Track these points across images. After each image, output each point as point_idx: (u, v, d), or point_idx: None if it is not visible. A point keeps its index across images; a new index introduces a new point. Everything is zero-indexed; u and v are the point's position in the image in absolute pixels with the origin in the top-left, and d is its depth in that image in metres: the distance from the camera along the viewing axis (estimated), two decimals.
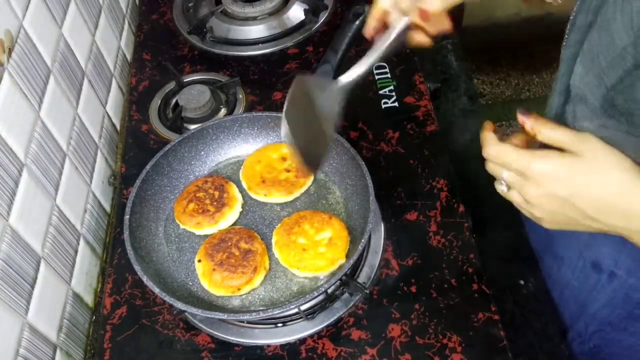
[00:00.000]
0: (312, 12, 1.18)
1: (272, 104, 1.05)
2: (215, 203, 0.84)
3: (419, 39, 0.67)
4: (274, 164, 0.88)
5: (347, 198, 0.86)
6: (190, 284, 0.80)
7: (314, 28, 1.17)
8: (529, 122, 0.55)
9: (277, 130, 0.91)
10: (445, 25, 0.65)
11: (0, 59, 0.73)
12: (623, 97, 0.53)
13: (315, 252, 0.78)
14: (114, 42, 1.15)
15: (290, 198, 0.86)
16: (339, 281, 0.73)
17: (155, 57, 1.16)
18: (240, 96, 1.06)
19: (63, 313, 0.82)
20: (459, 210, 0.87)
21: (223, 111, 1.05)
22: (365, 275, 0.82)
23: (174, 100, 1.07)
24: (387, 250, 0.84)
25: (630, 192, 0.51)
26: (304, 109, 0.65)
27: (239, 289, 0.76)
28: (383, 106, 1.01)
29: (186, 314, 0.78)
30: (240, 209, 0.86)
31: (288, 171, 0.87)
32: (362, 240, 0.73)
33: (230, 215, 0.84)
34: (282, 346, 0.77)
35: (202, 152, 0.91)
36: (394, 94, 1.03)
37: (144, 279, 0.72)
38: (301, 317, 0.77)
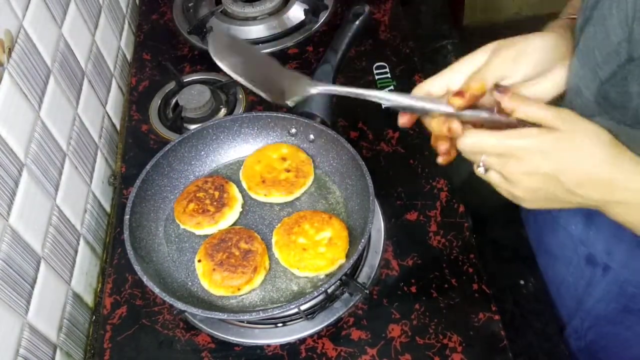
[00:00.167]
0: (312, 12, 1.18)
1: (272, 104, 1.05)
2: (215, 203, 0.84)
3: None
4: (274, 164, 0.88)
5: (347, 198, 0.86)
6: (190, 284, 0.80)
7: (314, 28, 1.17)
8: (505, 99, 0.54)
9: (277, 130, 0.91)
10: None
11: (0, 59, 0.73)
12: (616, 90, 0.54)
13: (315, 252, 0.77)
14: (114, 42, 1.15)
15: (290, 198, 0.86)
16: (339, 281, 0.73)
17: (155, 57, 1.16)
18: (240, 96, 1.06)
19: (63, 313, 0.82)
20: (459, 210, 0.87)
21: (223, 111, 1.05)
22: (365, 275, 0.82)
23: (174, 100, 1.07)
24: (387, 250, 0.84)
25: (611, 164, 0.52)
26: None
27: (239, 289, 0.76)
28: (383, 106, 1.01)
29: (186, 314, 0.78)
30: (240, 209, 0.86)
31: (288, 171, 0.87)
32: (362, 240, 0.73)
33: (230, 215, 0.84)
34: (282, 346, 0.77)
35: (202, 152, 0.91)
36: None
37: (144, 279, 0.72)
38: (301, 317, 0.77)
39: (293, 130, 0.90)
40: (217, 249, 0.79)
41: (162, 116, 1.04)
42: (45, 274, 0.78)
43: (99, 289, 0.92)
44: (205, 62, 1.14)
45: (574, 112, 0.54)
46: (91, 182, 0.96)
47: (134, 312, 0.82)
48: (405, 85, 1.04)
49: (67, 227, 0.86)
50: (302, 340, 0.77)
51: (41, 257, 0.77)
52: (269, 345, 0.77)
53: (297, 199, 0.87)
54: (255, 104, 1.06)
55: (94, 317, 0.90)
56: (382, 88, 1.04)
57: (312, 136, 0.89)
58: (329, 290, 0.78)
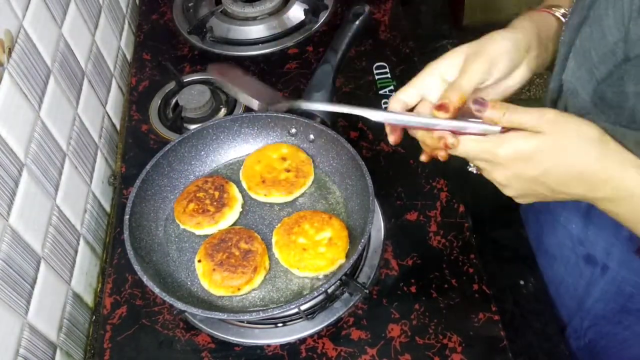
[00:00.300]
0: (312, 12, 1.18)
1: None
2: (215, 203, 0.84)
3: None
4: (274, 164, 0.88)
5: (347, 198, 0.86)
6: (190, 284, 0.80)
7: (314, 28, 1.17)
8: (487, 112, 0.55)
9: (277, 130, 0.91)
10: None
11: (0, 59, 0.73)
12: (612, 90, 0.54)
13: (315, 252, 0.78)
14: (114, 42, 1.15)
15: (290, 198, 0.86)
16: (339, 281, 0.73)
17: (155, 57, 1.16)
18: None
19: (63, 313, 0.82)
20: (459, 210, 0.87)
21: (223, 111, 1.05)
22: (365, 275, 0.82)
23: (174, 100, 1.07)
24: (387, 250, 0.84)
25: (595, 161, 0.53)
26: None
27: (239, 289, 0.76)
28: (383, 106, 1.01)
29: (186, 314, 0.78)
30: (240, 209, 0.86)
31: (288, 171, 0.87)
32: (362, 240, 0.73)
33: (230, 215, 0.84)
34: (282, 346, 0.77)
35: (202, 152, 0.91)
36: (394, 94, 1.03)
37: (144, 279, 0.72)
38: (301, 317, 0.77)
39: (293, 130, 0.90)
40: (217, 249, 0.79)
41: (162, 116, 1.04)
42: (45, 274, 0.78)
43: (99, 289, 0.92)
44: (205, 62, 1.14)
45: (560, 111, 0.55)
46: (91, 182, 0.96)
47: (134, 312, 0.82)
48: None
49: (67, 227, 0.86)
50: (302, 340, 0.77)
51: (41, 257, 0.77)
52: (269, 345, 0.77)
53: (297, 199, 0.87)
54: None
55: (94, 317, 0.90)
56: (382, 88, 1.04)
57: (312, 136, 0.89)
58: (329, 290, 0.78)
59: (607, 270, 0.74)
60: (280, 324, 0.79)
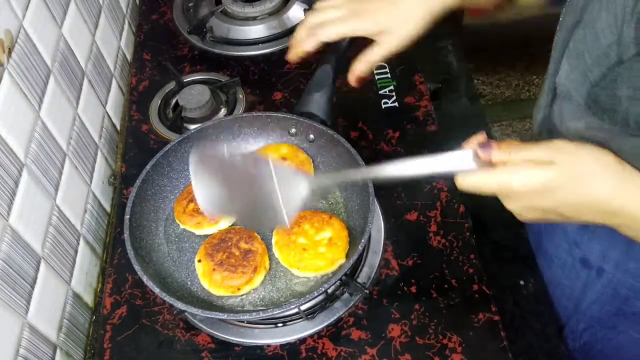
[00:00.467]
0: None
1: (272, 104, 1.05)
2: None
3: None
4: None
5: (347, 198, 0.86)
6: (190, 284, 0.80)
7: None
8: (494, 155, 0.54)
9: (277, 130, 0.91)
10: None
11: (0, 59, 0.73)
12: (606, 93, 0.54)
13: (315, 252, 0.77)
14: (114, 42, 1.15)
15: None
16: (339, 281, 0.73)
17: (155, 57, 1.16)
18: (240, 96, 1.06)
19: (63, 313, 0.82)
20: (459, 210, 0.87)
21: (223, 111, 1.05)
22: (365, 275, 0.82)
23: (174, 100, 1.07)
24: (387, 250, 0.84)
25: (612, 192, 0.52)
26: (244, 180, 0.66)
27: (239, 289, 0.76)
28: (383, 106, 1.01)
29: (186, 314, 0.78)
30: None
31: None
32: (362, 240, 0.73)
33: None
34: (282, 346, 0.77)
35: None
36: (394, 94, 1.03)
37: (144, 279, 0.72)
38: (301, 317, 0.77)
39: (293, 130, 0.90)
40: (217, 249, 0.79)
41: (162, 116, 1.04)
42: (45, 274, 0.77)
43: (99, 289, 0.92)
44: (205, 62, 1.14)
45: (567, 141, 0.54)
46: (91, 182, 0.96)
47: (134, 312, 0.82)
48: (405, 86, 1.04)
49: (67, 227, 0.86)
50: (302, 340, 0.77)
51: (41, 257, 0.77)
52: (269, 345, 0.77)
53: None
54: (255, 104, 1.06)
55: (94, 317, 0.90)
56: (382, 88, 1.04)
57: (312, 136, 0.89)
58: (329, 290, 0.78)
59: (602, 272, 0.74)
60: (280, 324, 0.79)
